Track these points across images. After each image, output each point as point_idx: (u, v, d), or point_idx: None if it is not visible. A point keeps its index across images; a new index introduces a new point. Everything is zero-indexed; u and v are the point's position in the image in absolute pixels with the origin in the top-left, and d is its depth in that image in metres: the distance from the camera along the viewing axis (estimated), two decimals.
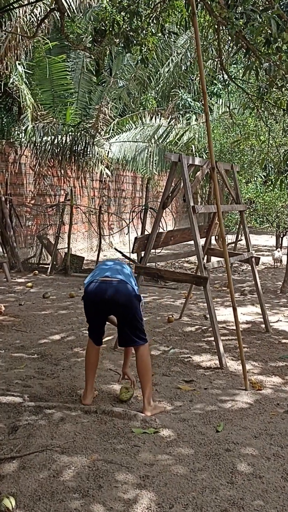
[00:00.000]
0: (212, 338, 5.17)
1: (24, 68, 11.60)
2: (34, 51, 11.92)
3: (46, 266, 9.70)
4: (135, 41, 9.04)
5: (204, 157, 11.52)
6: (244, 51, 6.89)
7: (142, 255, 4.80)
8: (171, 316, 6.09)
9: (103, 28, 13.11)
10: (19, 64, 10.77)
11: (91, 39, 14.26)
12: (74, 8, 10.64)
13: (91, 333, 3.58)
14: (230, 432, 3.14)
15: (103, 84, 15.09)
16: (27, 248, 10.80)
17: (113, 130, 13.87)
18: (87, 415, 3.24)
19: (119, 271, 3.47)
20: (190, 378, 4.12)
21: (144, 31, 9.14)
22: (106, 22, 10.14)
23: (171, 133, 13.24)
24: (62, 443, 2.87)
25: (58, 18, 10.58)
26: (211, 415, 3.40)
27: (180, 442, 3.00)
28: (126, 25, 9.15)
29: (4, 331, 5.45)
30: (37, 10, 10.75)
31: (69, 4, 10.55)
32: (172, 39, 15.62)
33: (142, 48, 9.29)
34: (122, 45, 9.35)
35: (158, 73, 18.05)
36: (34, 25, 10.76)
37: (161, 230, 5.13)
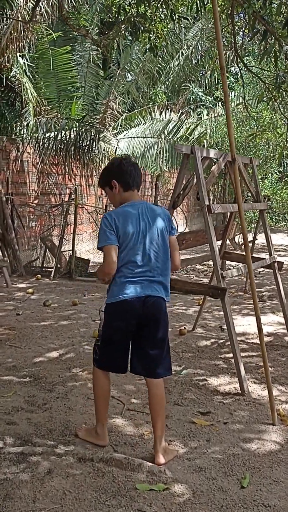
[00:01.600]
0: (231, 355, 4.54)
1: (27, 61, 11.05)
2: (38, 43, 11.35)
3: (50, 269, 9.12)
4: (142, 28, 8.44)
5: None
6: (261, 36, 6.28)
7: None
8: (183, 328, 5.46)
9: (110, 19, 12.50)
10: (20, 56, 10.20)
11: (97, 31, 13.66)
12: None
13: (114, 359, 2.82)
14: (258, 489, 2.51)
15: (111, 79, 14.48)
16: (30, 251, 10.24)
17: (121, 125, 13.27)
18: (81, 464, 2.64)
19: (160, 274, 2.76)
20: (206, 408, 3.49)
21: (152, 17, 8.53)
22: (113, 9, 9.56)
23: (182, 128, 12.60)
24: (47, 508, 2.27)
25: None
26: (233, 461, 2.78)
27: (197, 504, 2.38)
28: (133, 11, 8.54)
29: None
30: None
31: None
32: (182, 26, 14.91)
33: (150, 35, 8.68)
34: (129, 32, 8.75)
35: (168, 66, 17.41)
36: (36, 13, 10.19)
37: None
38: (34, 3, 8.07)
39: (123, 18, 8.53)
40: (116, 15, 8.85)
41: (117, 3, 8.96)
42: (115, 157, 3.19)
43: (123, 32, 11.69)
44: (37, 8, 8.30)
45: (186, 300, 7.15)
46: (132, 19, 8.27)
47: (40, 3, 9.79)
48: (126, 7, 8.67)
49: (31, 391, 3.69)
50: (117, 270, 2.71)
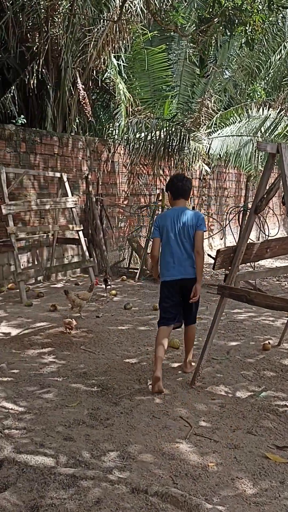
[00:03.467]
0: None
1: (123, 62, 11.09)
2: (133, 43, 11.34)
3: (136, 270, 9.05)
4: (237, 21, 8.01)
5: None
6: None
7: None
8: (267, 343, 5.02)
9: (207, 16, 12.16)
10: (115, 57, 10.25)
11: (194, 28, 13.37)
12: None
13: (166, 315, 4.05)
14: None
15: (208, 76, 14.10)
16: (118, 251, 10.28)
17: (215, 124, 12.87)
18: (133, 495, 2.41)
19: (186, 259, 3.94)
20: (284, 441, 3.09)
21: (248, 9, 8.07)
22: (209, 3, 9.23)
23: (280, 125, 11.88)
24: None
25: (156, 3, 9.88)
26: None
27: None
28: (228, 4, 8.14)
29: (71, 350, 4.83)
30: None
31: None
32: (285, 18, 14.10)
33: (246, 28, 8.21)
34: (224, 26, 8.36)
35: (269, 61, 16.59)
36: (124, 11, 10.14)
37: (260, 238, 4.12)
38: (122, 1, 7.98)
39: (217, 12, 8.18)
40: (211, 9, 8.49)
41: None
42: (173, 174, 4.78)
43: (220, 28, 11.26)
44: (125, 5, 8.19)
45: (275, 311, 6.63)
46: (226, 12, 7.89)
47: (134, 2, 9.77)
48: (220, 0, 8.29)
49: (96, 403, 3.54)
50: (161, 257, 4.05)
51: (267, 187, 3.60)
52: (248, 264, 8.73)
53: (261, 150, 3.37)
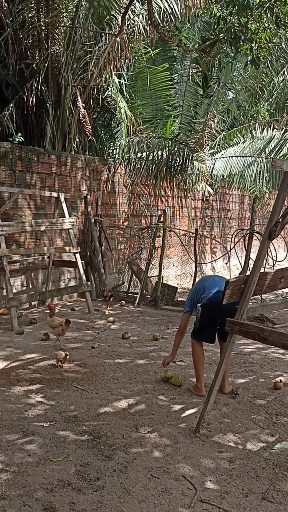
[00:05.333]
0: None
1: (125, 80, 10.86)
2: (136, 61, 11.13)
3: (135, 295, 8.60)
4: (243, 37, 7.74)
5: None
6: None
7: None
8: (279, 380, 4.54)
9: (211, 36, 12.00)
10: (116, 75, 10.00)
11: (197, 46, 13.20)
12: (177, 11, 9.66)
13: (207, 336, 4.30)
14: None
15: (211, 97, 13.89)
16: (118, 274, 9.84)
17: (219, 144, 12.59)
18: None
19: None
20: None
21: (255, 27, 7.81)
22: (213, 20, 9.02)
23: (285, 145, 11.58)
24: None
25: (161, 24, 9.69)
26: None
27: None
28: (233, 20, 7.88)
29: (62, 387, 4.35)
30: (138, 17, 9.97)
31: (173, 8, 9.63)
32: None
33: (252, 45, 7.94)
34: (229, 43, 8.09)
35: (272, 82, 16.45)
36: (134, 33, 9.99)
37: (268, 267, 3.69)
38: (122, 13, 7.73)
39: (222, 28, 7.92)
40: (216, 26, 8.25)
41: (217, 15, 8.35)
42: None
43: (225, 45, 11.08)
44: (127, 21, 7.95)
45: None
46: (232, 29, 7.62)
47: (135, 18, 9.56)
48: (225, 17, 8.04)
49: (86, 457, 3.06)
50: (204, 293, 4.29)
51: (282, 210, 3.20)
52: None
53: (277, 169, 2.97)
